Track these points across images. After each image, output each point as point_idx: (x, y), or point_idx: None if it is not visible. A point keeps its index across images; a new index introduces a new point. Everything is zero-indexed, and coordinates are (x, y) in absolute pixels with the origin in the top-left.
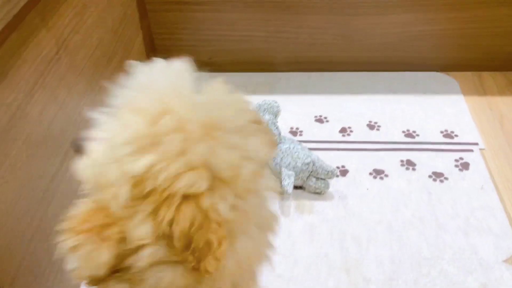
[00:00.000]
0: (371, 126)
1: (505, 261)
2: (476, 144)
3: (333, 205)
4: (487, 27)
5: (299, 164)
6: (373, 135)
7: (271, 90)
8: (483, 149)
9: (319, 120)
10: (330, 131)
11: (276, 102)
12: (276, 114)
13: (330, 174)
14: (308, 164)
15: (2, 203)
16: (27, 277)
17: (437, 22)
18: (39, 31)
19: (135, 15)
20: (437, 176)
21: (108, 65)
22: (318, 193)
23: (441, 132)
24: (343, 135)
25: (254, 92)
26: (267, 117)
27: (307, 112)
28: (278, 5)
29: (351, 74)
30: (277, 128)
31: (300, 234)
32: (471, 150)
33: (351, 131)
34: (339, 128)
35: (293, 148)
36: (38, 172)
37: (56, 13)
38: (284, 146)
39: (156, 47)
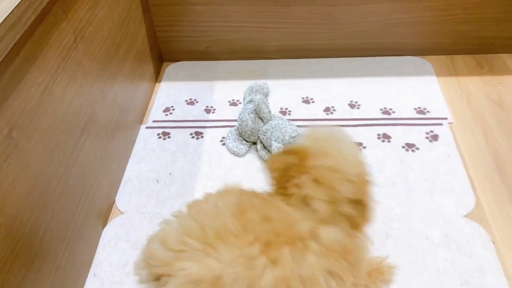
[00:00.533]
0: (352, 105)
1: (465, 216)
2: (446, 118)
3: None
4: (458, 14)
5: (286, 137)
6: (354, 113)
7: (263, 76)
8: (452, 123)
9: (306, 101)
10: (315, 111)
11: (266, 84)
12: (266, 94)
13: None
14: (294, 137)
15: (36, 167)
16: (54, 233)
17: (412, 10)
18: (61, 22)
19: (139, 9)
20: (409, 146)
21: (116, 54)
22: None
23: (415, 109)
24: (327, 114)
25: (248, 77)
26: (258, 96)
27: (295, 94)
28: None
29: (334, 60)
30: (267, 106)
31: None
32: (441, 124)
33: (334, 110)
34: (324, 108)
35: (281, 124)
36: (62, 142)
37: (73, 6)
38: (273, 123)
39: (158, 38)
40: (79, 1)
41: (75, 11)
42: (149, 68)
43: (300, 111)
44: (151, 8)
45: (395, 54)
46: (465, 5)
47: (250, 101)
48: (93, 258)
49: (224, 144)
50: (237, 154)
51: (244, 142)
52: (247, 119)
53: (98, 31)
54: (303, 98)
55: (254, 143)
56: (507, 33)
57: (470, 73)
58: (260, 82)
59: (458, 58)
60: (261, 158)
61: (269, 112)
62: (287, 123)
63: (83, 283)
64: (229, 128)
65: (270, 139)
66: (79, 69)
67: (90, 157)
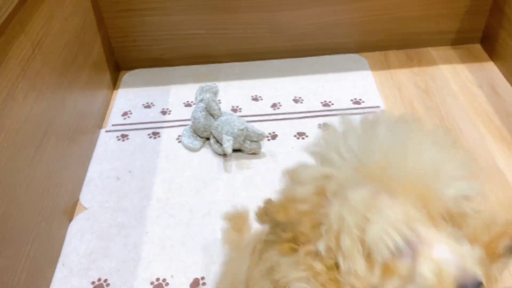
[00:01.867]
0: (296, 101)
1: None
2: (379, 107)
3: (265, 161)
4: (386, 14)
5: (235, 130)
6: (298, 107)
7: (215, 78)
8: (383, 110)
9: (255, 99)
10: (263, 107)
11: (215, 84)
12: (215, 93)
13: (261, 136)
14: (242, 130)
15: (3, 162)
16: (22, 225)
17: (345, 12)
18: (19, 36)
19: (93, 22)
20: None
21: (73, 63)
22: (254, 154)
23: (351, 100)
24: (274, 109)
25: (201, 80)
26: (208, 95)
27: (245, 93)
28: (215, 7)
29: (279, 61)
30: (216, 103)
31: (240, 184)
32: (374, 112)
33: (280, 105)
34: (271, 104)
35: (231, 118)
36: (25, 142)
37: (30, 21)
38: (223, 118)
39: (113, 48)
40: (35, 15)
41: (32, 25)
42: (107, 76)
43: (249, 108)
44: (105, 21)
45: (333, 53)
46: (389, 6)
47: (201, 100)
48: (61, 249)
49: (180, 141)
50: (192, 150)
51: (199, 138)
52: (199, 117)
53: (55, 43)
54: (252, 96)
55: (208, 139)
56: (430, 29)
57: (401, 66)
58: (210, 83)
59: (391, 54)
60: (214, 151)
61: (219, 109)
62: (235, 117)
63: (53, 272)
64: (184, 127)
65: (221, 133)
66: (38, 77)
67: (53, 158)
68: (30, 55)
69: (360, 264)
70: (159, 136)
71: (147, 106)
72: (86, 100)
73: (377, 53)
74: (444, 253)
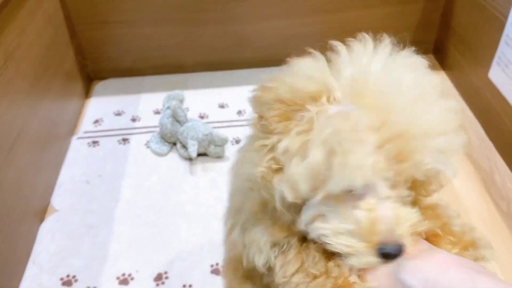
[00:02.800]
0: None
1: None
2: None
3: (229, 164)
4: (346, 26)
5: (200, 135)
6: None
7: (184, 87)
8: None
9: (222, 106)
10: (229, 114)
11: (181, 92)
12: (181, 100)
13: (224, 141)
14: (207, 135)
15: None
16: None
17: (307, 25)
18: None
19: (66, 34)
20: None
21: (45, 73)
22: (218, 157)
23: None
24: (239, 116)
25: (170, 89)
26: (174, 102)
27: (212, 101)
28: (183, 20)
29: (245, 71)
30: (182, 110)
31: (204, 185)
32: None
33: (245, 112)
34: (236, 111)
35: (196, 124)
36: None
37: (3, 33)
38: (189, 124)
39: (86, 59)
40: (8, 28)
41: (5, 37)
42: (79, 86)
43: (216, 114)
44: (78, 33)
45: None
46: (348, 19)
47: (168, 107)
48: (32, 249)
49: (148, 147)
50: (160, 154)
51: (166, 143)
52: (166, 123)
53: (27, 53)
54: (219, 104)
55: (175, 144)
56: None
57: None
58: (177, 91)
59: None
60: (180, 155)
61: (185, 115)
62: (200, 123)
63: (24, 270)
64: (153, 133)
65: (187, 138)
66: (10, 86)
67: (25, 162)
68: (3, 64)
69: (303, 186)
70: (128, 142)
71: (118, 114)
72: (58, 108)
73: None
74: (384, 211)
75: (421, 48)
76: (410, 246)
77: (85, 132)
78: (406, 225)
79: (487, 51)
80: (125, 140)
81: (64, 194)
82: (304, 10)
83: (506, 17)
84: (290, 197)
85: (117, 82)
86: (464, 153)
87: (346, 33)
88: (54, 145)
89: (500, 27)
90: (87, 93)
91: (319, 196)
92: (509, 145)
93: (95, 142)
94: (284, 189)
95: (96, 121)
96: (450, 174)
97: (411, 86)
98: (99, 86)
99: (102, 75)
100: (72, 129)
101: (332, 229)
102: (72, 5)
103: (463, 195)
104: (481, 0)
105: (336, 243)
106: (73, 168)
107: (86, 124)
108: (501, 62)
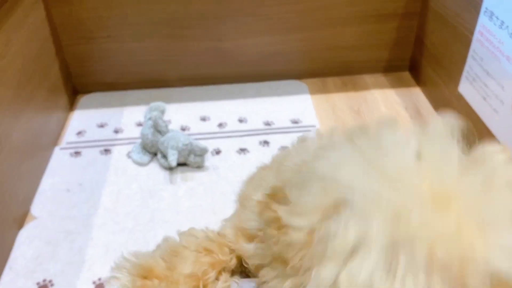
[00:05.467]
0: (240, 120)
1: None
2: (314, 126)
3: (208, 174)
4: (324, 44)
5: (180, 145)
6: (242, 126)
7: (167, 101)
8: (318, 129)
9: (203, 119)
10: (210, 126)
11: (162, 103)
12: (162, 111)
13: (204, 150)
14: (187, 144)
15: None
16: None
17: (288, 42)
18: None
19: (52, 48)
20: (284, 148)
21: (29, 84)
22: (198, 167)
23: (290, 120)
24: (220, 128)
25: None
26: (155, 113)
27: (194, 114)
28: (167, 36)
29: (228, 86)
30: (163, 121)
31: (183, 194)
32: (310, 130)
33: (226, 125)
34: (217, 124)
35: (176, 134)
36: None
37: None
38: (169, 134)
39: (71, 73)
40: None
41: None
42: (64, 98)
43: (198, 127)
44: (64, 48)
45: (277, 79)
46: (327, 37)
47: (149, 118)
48: (9, 255)
49: (129, 157)
50: (141, 164)
51: (147, 153)
52: (147, 133)
53: (11, 65)
54: (200, 117)
55: (156, 154)
56: (364, 58)
57: (337, 90)
58: (158, 102)
59: (329, 80)
60: (161, 165)
61: (165, 126)
62: (181, 134)
63: (0, 276)
64: (135, 144)
65: (167, 148)
66: None
67: (5, 170)
68: None
69: None
70: (110, 153)
71: (101, 125)
72: (42, 119)
73: (316, 79)
74: None
75: (398, 65)
76: None
77: (68, 143)
78: None
79: (456, 66)
80: (107, 151)
81: (44, 202)
82: (284, 28)
83: (472, 34)
84: None
85: (102, 95)
86: None
87: (324, 50)
88: (36, 154)
89: (467, 43)
90: (71, 105)
91: None
92: None
93: (77, 153)
94: None
95: (79, 133)
96: None
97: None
98: (84, 99)
99: (88, 89)
100: (55, 140)
101: None
102: (59, 20)
103: None
104: (449, 18)
105: None
106: (55, 177)
107: (69, 135)
108: (469, 76)
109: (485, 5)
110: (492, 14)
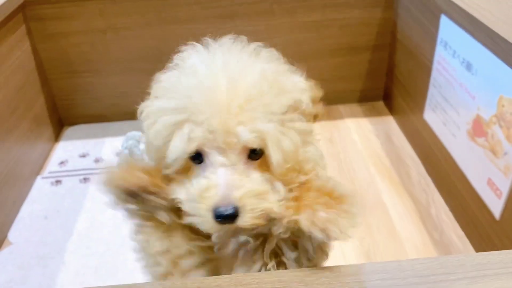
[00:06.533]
0: None
1: None
2: None
3: None
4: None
5: None
6: None
7: None
8: None
9: None
10: None
11: (139, 132)
12: (138, 140)
13: None
14: None
15: None
16: None
17: None
18: None
19: (37, 81)
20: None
21: (12, 115)
22: None
23: None
24: None
25: None
26: (131, 142)
27: None
28: (147, 70)
29: None
30: (139, 149)
31: None
32: None
33: None
34: None
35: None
36: None
37: None
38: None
39: (57, 105)
40: None
41: None
42: (49, 130)
43: None
44: (49, 81)
45: None
46: (300, 70)
47: (126, 147)
48: None
49: None
50: None
51: None
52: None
53: None
54: None
55: None
56: (339, 88)
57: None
58: (134, 131)
59: None
60: None
61: (141, 154)
62: None
63: None
64: None
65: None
66: None
67: None
68: None
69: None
70: (89, 181)
71: (83, 155)
72: (25, 149)
73: None
74: (220, 177)
75: (372, 95)
76: (248, 207)
77: (50, 172)
78: (242, 190)
79: (421, 94)
80: (86, 179)
81: (22, 228)
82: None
83: (432, 63)
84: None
85: (86, 127)
86: (404, 188)
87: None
88: (17, 183)
89: (429, 72)
90: (56, 137)
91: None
92: (444, 181)
93: (58, 181)
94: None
95: (62, 162)
96: (273, 139)
97: (222, 63)
98: (68, 131)
99: (73, 121)
100: (37, 169)
101: (184, 196)
102: (44, 54)
103: (399, 226)
104: (413, 49)
105: (187, 210)
106: (34, 205)
107: (51, 165)
108: (432, 103)
109: (440, 35)
110: (446, 43)
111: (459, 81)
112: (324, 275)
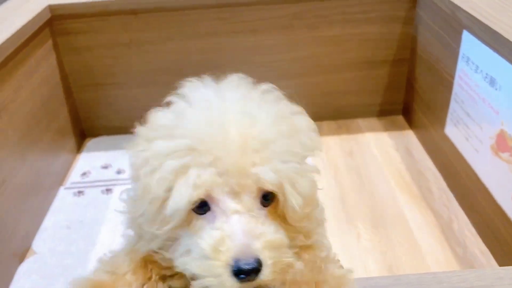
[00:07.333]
0: None
1: None
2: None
3: None
4: (320, 89)
5: None
6: None
7: None
8: None
9: None
10: None
11: None
12: None
13: None
14: None
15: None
16: None
17: (283, 88)
18: None
19: (61, 94)
20: None
21: (37, 125)
22: None
23: None
24: None
25: None
26: None
27: None
28: (168, 83)
29: None
30: None
31: None
32: None
33: None
34: None
35: None
36: None
37: (0, 87)
38: None
39: (80, 117)
40: (5, 84)
41: (1, 91)
42: (71, 141)
43: None
44: (73, 94)
45: None
46: (322, 83)
47: None
48: (8, 287)
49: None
50: None
51: None
52: None
53: (21, 108)
54: None
55: None
56: (358, 102)
57: (331, 133)
58: None
59: (324, 123)
60: None
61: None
62: None
63: None
64: None
65: None
66: (2, 134)
67: (8, 207)
68: None
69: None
70: (111, 192)
71: (105, 167)
72: (47, 161)
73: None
74: (234, 226)
75: (391, 109)
76: (269, 261)
77: (72, 183)
78: (262, 240)
79: (442, 109)
80: (108, 190)
81: (45, 238)
82: (277, 74)
83: (453, 78)
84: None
85: (108, 139)
86: (425, 203)
87: (319, 95)
88: (41, 193)
89: (450, 87)
90: (79, 148)
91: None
92: (466, 196)
93: (80, 192)
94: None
95: (84, 173)
96: (291, 187)
97: (234, 100)
98: (90, 143)
99: (95, 132)
100: (60, 180)
101: (191, 258)
102: (69, 68)
103: (421, 240)
104: (434, 64)
105: (196, 271)
106: (57, 215)
107: (74, 176)
108: (453, 118)
109: (462, 50)
110: (468, 59)
111: (482, 96)
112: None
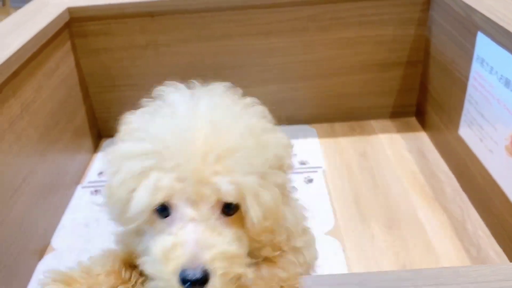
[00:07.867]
0: None
1: (325, 233)
2: (321, 167)
3: None
4: (333, 91)
5: None
6: None
7: None
8: (325, 170)
9: None
10: None
11: None
12: None
13: None
14: None
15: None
16: None
17: (298, 90)
18: (10, 99)
19: (79, 95)
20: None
21: (56, 127)
22: None
23: (298, 161)
24: None
25: None
26: None
27: None
28: (184, 84)
29: None
30: None
31: None
32: (316, 171)
33: None
34: None
35: None
36: (4, 184)
37: (22, 88)
38: None
39: (97, 118)
40: (26, 84)
41: (23, 91)
42: (88, 141)
43: None
44: (90, 95)
45: (288, 124)
46: (335, 85)
47: None
48: (27, 284)
49: None
50: None
51: None
52: None
53: (41, 108)
54: None
55: None
56: (371, 104)
57: (344, 135)
58: None
59: (337, 125)
60: None
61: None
62: None
63: None
64: None
65: None
66: (23, 133)
67: (28, 205)
68: (18, 115)
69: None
70: None
71: None
72: (66, 160)
73: (325, 125)
74: (188, 234)
75: (404, 111)
76: (219, 271)
77: (90, 182)
78: (214, 250)
79: (456, 110)
80: None
81: (64, 235)
82: (293, 76)
83: (467, 79)
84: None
85: None
86: (439, 204)
87: (332, 97)
88: (59, 192)
89: (464, 88)
90: (95, 148)
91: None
92: (480, 196)
93: (97, 191)
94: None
95: (101, 173)
96: (251, 195)
97: (206, 109)
98: (107, 142)
99: (111, 133)
100: (78, 179)
101: (147, 259)
102: (87, 69)
103: (435, 241)
104: (447, 65)
105: (149, 272)
106: (75, 214)
107: (91, 175)
108: (467, 119)
109: (476, 52)
110: (483, 60)
111: (497, 97)
112: (381, 278)
